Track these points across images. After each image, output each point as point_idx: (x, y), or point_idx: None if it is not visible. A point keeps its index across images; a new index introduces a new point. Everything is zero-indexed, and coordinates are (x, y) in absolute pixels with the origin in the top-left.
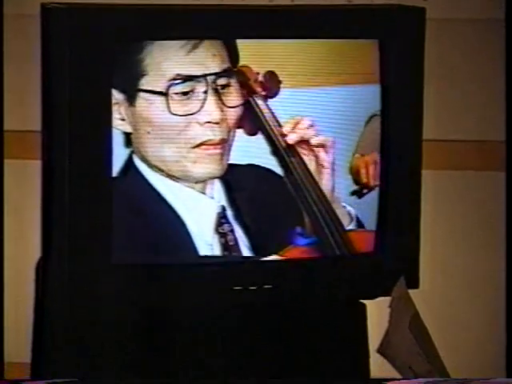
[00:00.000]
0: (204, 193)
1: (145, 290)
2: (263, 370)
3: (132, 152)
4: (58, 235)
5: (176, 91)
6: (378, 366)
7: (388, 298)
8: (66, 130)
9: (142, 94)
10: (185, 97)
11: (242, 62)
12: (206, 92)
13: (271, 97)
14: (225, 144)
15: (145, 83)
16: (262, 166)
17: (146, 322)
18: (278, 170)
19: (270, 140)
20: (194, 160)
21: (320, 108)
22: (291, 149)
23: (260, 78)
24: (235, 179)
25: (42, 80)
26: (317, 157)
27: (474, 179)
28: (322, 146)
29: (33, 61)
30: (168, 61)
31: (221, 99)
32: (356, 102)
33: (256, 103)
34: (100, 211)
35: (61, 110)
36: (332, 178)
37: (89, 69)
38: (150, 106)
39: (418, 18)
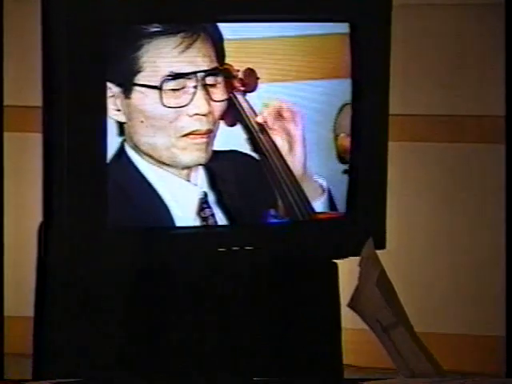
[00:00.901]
0: (188, 180)
1: (137, 252)
2: (247, 322)
3: (124, 140)
4: (57, 202)
5: (169, 86)
6: (348, 318)
7: (357, 258)
8: (65, 111)
9: (137, 88)
10: (176, 91)
11: (227, 60)
12: (195, 87)
13: (250, 91)
14: (210, 134)
15: (141, 78)
16: (241, 151)
17: (141, 281)
18: (255, 156)
19: (248, 130)
20: (183, 148)
21: (295, 101)
22: (264, 133)
23: (240, 74)
24: (217, 166)
25: (42, 60)
26: (288, 133)
27: (435, 150)
28: (292, 118)
29: (35, 38)
30: (163, 59)
31: (208, 94)
32: (328, 95)
33: (236, 97)
34: (95, 184)
35: (60, 91)
36: (304, 152)
37: (86, 55)
38: (145, 99)
39: (386, 2)
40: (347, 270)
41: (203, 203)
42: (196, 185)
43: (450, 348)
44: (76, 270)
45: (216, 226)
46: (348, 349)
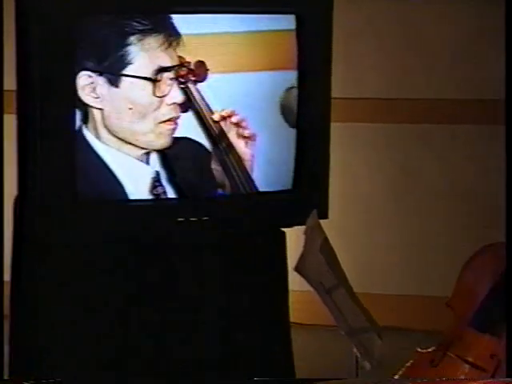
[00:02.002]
0: (141, 160)
1: (107, 222)
2: (199, 287)
3: (83, 125)
4: (31, 178)
5: (155, 78)
6: (295, 281)
7: (303, 227)
8: (37, 95)
9: (127, 79)
10: (159, 83)
11: (179, 54)
12: (172, 79)
13: (200, 81)
14: (177, 121)
15: (131, 70)
16: (193, 138)
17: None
18: (206, 142)
19: (199, 117)
20: (159, 133)
21: (242, 90)
22: (216, 125)
23: (191, 66)
24: (169, 150)
25: (16, 47)
26: (238, 131)
27: (379, 131)
28: (242, 123)
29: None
30: (150, 55)
31: (180, 85)
32: (274, 86)
33: (187, 86)
34: (65, 161)
35: (32, 76)
36: (252, 148)
37: (58, 43)
38: (135, 88)
39: None
40: (294, 237)
41: (155, 181)
42: (149, 164)
43: (386, 306)
44: (50, 240)
45: (170, 198)
46: (295, 308)
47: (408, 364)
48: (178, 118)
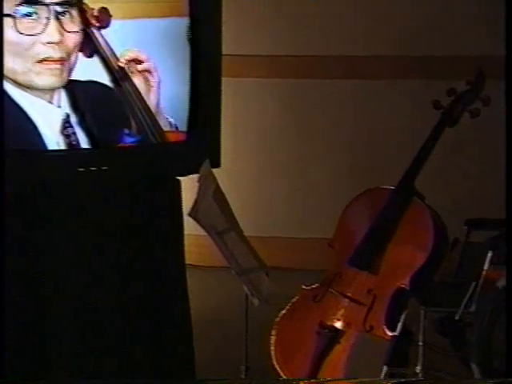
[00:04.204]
0: (51, 102)
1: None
2: (102, 231)
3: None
4: None
5: (21, 14)
6: (190, 226)
7: (196, 175)
8: None
9: (6, 19)
10: (31, 20)
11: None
12: (48, 18)
13: (104, 27)
14: (64, 62)
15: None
16: (100, 81)
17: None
18: (112, 86)
19: (104, 62)
20: (38, 72)
21: (143, 35)
22: (122, 70)
23: (95, 12)
24: (78, 92)
25: None
26: (145, 78)
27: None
28: (148, 70)
29: None
30: None
31: (61, 24)
32: (171, 32)
33: (92, 32)
34: None
35: None
36: (157, 95)
37: None
38: (5, 27)
39: None
40: (188, 185)
41: (65, 123)
42: (59, 107)
43: (274, 248)
44: None
45: (77, 148)
46: (190, 251)
47: (294, 300)
48: (62, 58)
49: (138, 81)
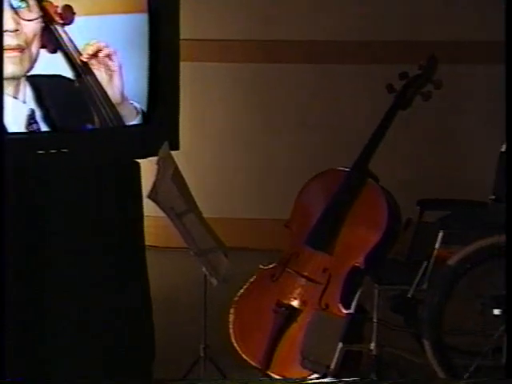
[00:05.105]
0: (17, 97)
1: None
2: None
3: None
4: None
5: None
6: (149, 207)
7: (156, 158)
8: None
9: None
10: None
11: None
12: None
13: (68, 24)
14: (23, 50)
15: None
16: (64, 75)
17: None
18: (76, 81)
19: (67, 57)
20: None
21: (105, 32)
22: (85, 65)
23: (59, 10)
24: (43, 86)
25: None
26: (106, 66)
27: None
28: (108, 55)
29: None
30: None
31: (17, 13)
32: (132, 28)
33: (56, 29)
34: None
35: None
36: (121, 81)
37: None
38: None
39: None
40: (148, 167)
41: (30, 118)
42: (25, 102)
43: (232, 229)
44: None
45: (39, 132)
46: (150, 232)
47: (251, 279)
48: (20, 46)
49: (99, 72)
